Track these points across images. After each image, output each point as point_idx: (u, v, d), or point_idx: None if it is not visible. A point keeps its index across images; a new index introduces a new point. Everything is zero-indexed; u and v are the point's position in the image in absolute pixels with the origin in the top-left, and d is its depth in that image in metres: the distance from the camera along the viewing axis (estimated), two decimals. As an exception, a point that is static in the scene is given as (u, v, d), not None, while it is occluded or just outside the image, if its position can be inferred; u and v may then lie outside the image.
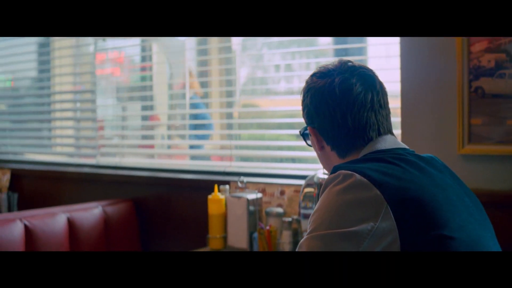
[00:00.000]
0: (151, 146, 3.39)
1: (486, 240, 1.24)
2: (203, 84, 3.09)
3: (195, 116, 3.20)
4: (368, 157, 1.28)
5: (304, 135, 1.44)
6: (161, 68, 3.42)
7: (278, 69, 2.89)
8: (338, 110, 1.31)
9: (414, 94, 2.23)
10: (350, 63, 1.36)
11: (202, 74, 3.18)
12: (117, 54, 3.62)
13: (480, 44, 2.08)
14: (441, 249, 1.14)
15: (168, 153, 3.28)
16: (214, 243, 2.48)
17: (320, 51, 2.78)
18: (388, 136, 1.34)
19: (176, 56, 3.28)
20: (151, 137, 3.41)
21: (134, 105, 3.49)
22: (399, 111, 2.27)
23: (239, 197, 2.43)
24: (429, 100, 2.19)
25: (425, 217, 1.15)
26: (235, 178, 2.61)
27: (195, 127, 3.19)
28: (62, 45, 3.70)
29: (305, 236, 1.20)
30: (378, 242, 1.13)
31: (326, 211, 1.18)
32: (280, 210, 2.40)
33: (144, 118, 3.42)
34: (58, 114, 3.78)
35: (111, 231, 2.79)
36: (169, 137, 3.38)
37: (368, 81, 1.33)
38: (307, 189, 2.23)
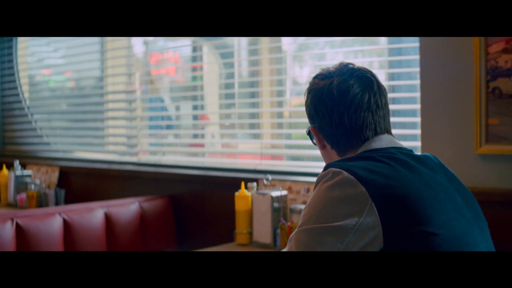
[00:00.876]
0: (201, 145, 3.52)
1: (473, 237, 1.30)
2: (254, 84, 3.17)
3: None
4: (360, 156, 1.36)
5: (310, 134, 1.52)
6: (212, 68, 3.50)
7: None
8: (336, 110, 1.39)
9: (433, 94, 2.28)
10: (350, 65, 1.45)
11: (253, 74, 3.24)
12: (172, 55, 3.81)
13: (497, 45, 2.11)
14: (422, 245, 1.20)
15: (209, 151, 3.41)
16: (240, 238, 2.60)
17: (381, 50, 2.71)
18: (384, 136, 1.41)
19: (227, 56, 3.35)
20: (201, 136, 3.51)
21: (186, 105, 3.63)
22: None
23: (263, 194, 2.54)
24: (447, 101, 2.24)
25: (408, 213, 1.21)
26: (269, 176, 2.70)
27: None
28: (116, 45, 3.87)
29: (296, 229, 1.30)
30: (362, 236, 1.21)
31: (315, 206, 1.27)
32: (303, 207, 2.49)
33: (194, 117, 3.50)
34: (110, 114, 3.95)
35: (147, 226, 2.96)
36: (213, 135, 3.49)
37: (365, 82, 1.41)
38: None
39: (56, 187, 3.72)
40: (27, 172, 3.79)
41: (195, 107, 3.58)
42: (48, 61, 4.44)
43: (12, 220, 2.43)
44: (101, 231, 2.76)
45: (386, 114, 1.44)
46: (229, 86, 3.26)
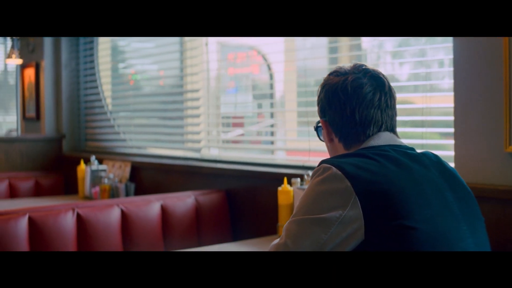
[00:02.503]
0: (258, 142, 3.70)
1: (458, 232, 1.40)
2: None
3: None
4: (354, 153, 1.49)
5: (317, 130, 1.67)
6: (290, 65, 3.60)
7: (443, 64, 2.77)
8: (348, 104, 1.52)
9: (465, 93, 2.34)
10: (364, 66, 1.59)
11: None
12: (255, 53, 4.05)
13: (527, 45, 2.15)
14: (401, 238, 1.32)
15: (272, 148, 3.60)
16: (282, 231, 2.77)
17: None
18: (385, 133, 1.54)
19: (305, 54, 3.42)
20: (269, 133, 3.66)
21: (266, 102, 3.82)
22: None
23: (303, 189, 2.71)
24: (478, 99, 2.30)
25: (389, 208, 1.32)
26: (310, 172, 2.86)
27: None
28: (194, 45, 4.09)
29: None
30: (345, 228, 1.34)
31: (306, 199, 1.42)
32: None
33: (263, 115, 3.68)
34: (189, 112, 4.19)
35: (202, 218, 3.20)
36: (272, 133, 3.66)
37: (378, 82, 1.54)
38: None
39: (127, 181, 4.05)
40: (102, 167, 4.15)
41: (272, 105, 3.76)
42: (130, 61, 4.80)
43: (73, 210, 2.74)
44: (157, 222, 3.03)
45: (394, 114, 1.57)
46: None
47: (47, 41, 4.92)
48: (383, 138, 1.52)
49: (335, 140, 1.57)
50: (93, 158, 4.18)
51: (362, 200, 1.33)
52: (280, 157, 3.37)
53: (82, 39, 4.93)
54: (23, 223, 2.55)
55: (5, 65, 5.96)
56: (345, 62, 3.05)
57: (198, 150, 3.87)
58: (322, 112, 1.59)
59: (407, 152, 1.49)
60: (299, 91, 3.43)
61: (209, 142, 3.85)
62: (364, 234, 1.32)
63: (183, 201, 3.16)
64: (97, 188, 3.95)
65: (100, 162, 4.32)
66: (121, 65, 4.86)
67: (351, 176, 1.35)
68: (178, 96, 4.20)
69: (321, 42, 3.27)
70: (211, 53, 3.93)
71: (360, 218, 1.32)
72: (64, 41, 4.91)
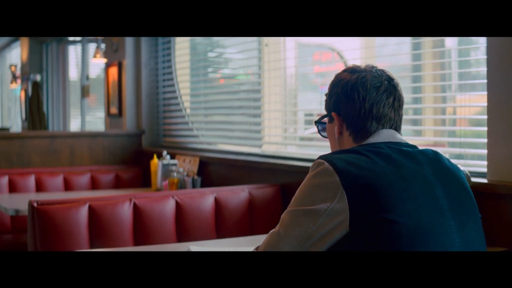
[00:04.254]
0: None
1: (443, 227, 1.47)
2: (416, 79, 3.19)
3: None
4: (349, 149, 1.59)
5: (319, 124, 1.78)
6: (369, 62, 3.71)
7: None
8: (368, 98, 1.62)
9: (498, 92, 2.40)
10: (380, 69, 1.69)
11: (416, 68, 3.25)
12: (333, 52, 4.20)
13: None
14: (382, 231, 1.42)
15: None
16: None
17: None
18: (386, 131, 1.63)
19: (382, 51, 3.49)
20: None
21: None
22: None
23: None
24: (509, 97, 2.35)
25: (373, 201, 1.42)
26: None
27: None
28: (271, 42, 4.21)
29: None
30: (332, 220, 1.45)
31: (300, 191, 1.55)
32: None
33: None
34: (267, 107, 4.32)
35: (255, 211, 3.39)
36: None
37: (393, 84, 1.65)
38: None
39: (195, 175, 4.32)
40: (173, 161, 4.44)
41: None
42: (209, 60, 5.07)
43: (131, 200, 3.02)
44: (210, 213, 3.25)
45: (402, 115, 1.69)
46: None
47: (129, 42, 5.29)
48: (382, 136, 1.62)
49: (345, 134, 1.66)
50: (164, 153, 4.49)
51: (348, 194, 1.43)
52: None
53: (160, 40, 5.26)
54: (84, 211, 2.85)
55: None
56: (429, 59, 3.09)
57: (259, 146, 4.07)
58: (336, 106, 1.67)
59: (402, 149, 1.56)
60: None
61: (286, 139, 4.01)
62: (349, 226, 1.43)
63: (237, 194, 3.37)
64: (167, 181, 4.25)
65: (173, 156, 4.62)
66: (200, 63, 5.13)
67: (340, 171, 1.46)
68: (254, 93, 4.36)
69: (401, 39, 3.24)
70: (288, 50, 4.09)
71: (346, 211, 1.43)
72: (144, 42, 5.26)
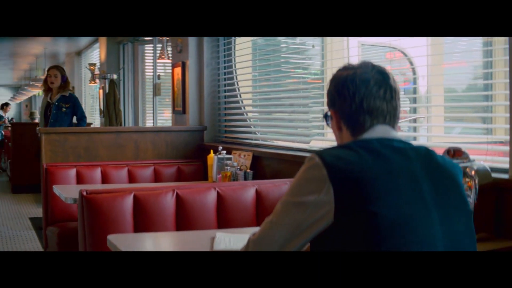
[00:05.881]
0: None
1: (425, 220, 1.55)
2: (487, 76, 3.16)
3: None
4: (342, 145, 1.71)
5: (327, 118, 1.85)
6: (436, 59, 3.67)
7: None
8: (357, 93, 1.68)
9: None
10: (371, 63, 1.79)
11: (488, 65, 3.19)
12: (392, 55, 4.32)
13: None
14: (364, 222, 1.50)
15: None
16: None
17: None
18: (381, 127, 1.69)
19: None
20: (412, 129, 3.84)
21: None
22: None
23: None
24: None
25: (358, 194, 1.52)
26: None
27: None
28: (334, 40, 4.34)
29: None
30: (318, 211, 1.56)
31: (293, 183, 1.67)
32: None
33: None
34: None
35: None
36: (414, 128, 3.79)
37: (383, 76, 1.71)
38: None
39: (247, 169, 4.53)
40: (228, 156, 4.68)
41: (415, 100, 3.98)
42: (269, 60, 5.27)
43: (174, 191, 3.26)
44: (251, 205, 3.44)
45: (398, 106, 1.72)
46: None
47: (192, 43, 5.57)
48: (376, 132, 1.69)
49: (343, 129, 1.74)
50: (220, 148, 4.73)
51: (334, 187, 1.53)
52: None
53: (222, 41, 5.51)
54: (129, 200, 3.11)
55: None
56: (501, 67, 3.07)
57: (307, 142, 4.23)
58: (332, 102, 1.76)
59: (393, 145, 1.64)
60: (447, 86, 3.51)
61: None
62: (334, 216, 1.53)
63: (278, 187, 3.54)
64: (221, 175, 4.48)
65: (230, 151, 4.86)
66: (259, 62, 5.34)
67: (329, 165, 1.56)
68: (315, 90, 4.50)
69: (472, 42, 3.22)
70: (351, 48, 4.21)
71: (332, 202, 1.53)
72: (206, 43, 5.53)
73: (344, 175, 1.54)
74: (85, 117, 6.56)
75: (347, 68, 1.75)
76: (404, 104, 4.12)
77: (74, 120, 6.50)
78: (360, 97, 1.68)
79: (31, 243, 5.97)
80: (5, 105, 15.69)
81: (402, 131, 3.85)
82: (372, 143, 1.63)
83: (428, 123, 3.78)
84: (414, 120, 3.85)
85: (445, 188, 1.63)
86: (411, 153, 1.64)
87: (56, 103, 6.35)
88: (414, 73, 4.24)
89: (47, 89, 6.51)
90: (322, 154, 1.60)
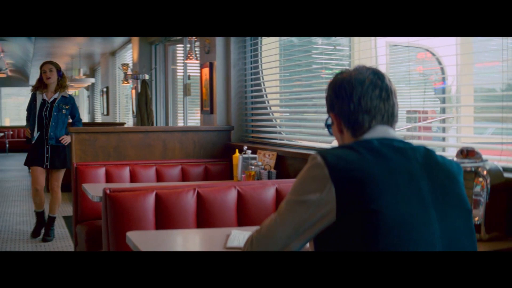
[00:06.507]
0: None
1: (425, 218, 1.61)
2: None
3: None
4: (344, 145, 1.77)
5: (327, 126, 1.92)
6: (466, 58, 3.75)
7: None
8: (355, 94, 1.74)
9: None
10: (365, 66, 1.80)
11: None
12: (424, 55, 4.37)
13: None
14: (365, 220, 1.55)
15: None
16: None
17: None
18: (381, 127, 1.74)
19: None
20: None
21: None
22: None
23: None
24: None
25: (358, 193, 1.57)
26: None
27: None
28: (362, 39, 4.43)
29: None
30: (321, 209, 1.61)
31: (296, 181, 1.70)
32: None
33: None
34: None
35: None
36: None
37: (378, 76, 1.76)
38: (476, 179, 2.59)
39: (271, 168, 4.63)
40: (252, 155, 4.79)
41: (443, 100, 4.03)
42: (295, 60, 5.36)
43: (195, 189, 3.38)
44: (271, 203, 3.54)
45: (395, 104, 1.77)
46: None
47: (219, 44, 5.70)
48: (377, 132, 1.73)
49: (345, 131, 1.79)
50: (245, 147, 4.84)
51: (336, 186, 1.59)
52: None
53: (248, 41, 5.62)
54: (151, 198, 3.24)
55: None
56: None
57: (330, 142, 4.31)
58: (331, 106, 1.82)
59: (393, 144, 1.69)
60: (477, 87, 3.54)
61: None
62: (336, 215, 1.58)
63: (298, 186, 3.63)
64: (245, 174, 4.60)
65: (255, 151, 4.97)
66: (286, 63, 5.44)
67: (330, 165, 1.61)
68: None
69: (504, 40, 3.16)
70: (379, 48, 4.26)
71: (333, 201, 1.58)
72: (233, 44, 5.65)
73: (345, 174, 1.60)
74: (81, 119, 6.32)
75: (342, 72, 1.81)
76: (435, 104, 4.17)
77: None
78: (357, 96, 1.74)
79: (63, 241, 6.17)
80: None
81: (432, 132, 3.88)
82: (372, 143, 1.68)
83: (458, 123, 3.80)
84: (443, 121, 3.88)
85: (444, 187, 1.68)
86: (410, 153, 1.69)
87: (57, 104, 6.05)
88: (442, 72, 4.27)
89: (42, 86, 6.10)
90: (324, 153, 1.65)
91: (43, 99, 6.07)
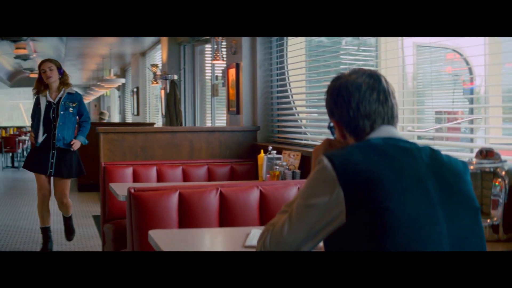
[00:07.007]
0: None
1: (430, 217, 1.63)
2: None
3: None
4: (351, 146, 1.77)
5: (331, 129, 1.93)
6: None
7: None
8: (353, 99, 1.75)
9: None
10: (361, 69, 1.81)
11: None
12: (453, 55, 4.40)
13: None
14: (373, 221, 1.58)
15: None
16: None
17: None
18: (386, 128, 1.76)
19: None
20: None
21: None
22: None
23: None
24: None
25: (366, 194, 1.59)
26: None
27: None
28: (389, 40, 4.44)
29: None
30: (330, 212, 1.63)
31: (305, 185, 1.71)
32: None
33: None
34: None
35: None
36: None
37: (375, 79, 1.77)
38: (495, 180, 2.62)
39: (296, 168, 4.70)
40: (277, 156, 4.86)
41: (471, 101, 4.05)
42: (321, 61, 5.42)
43: (217, 189, 3.46)
44: (293, 203, 3.61)
45: (394, 105, 1.78)
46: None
47: (245, 45, 5.78)
48: (382, 132, 1.75)
49: (347, 136, 1.80)
50: (270, 148, 4.91)
51: (344, 189, 1.61)
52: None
53: (274, 42, 5.70)
54: (174, 197, 3.33)
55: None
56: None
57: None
58: (331, 113, 1.83)
59: (399, 145, 1.71)
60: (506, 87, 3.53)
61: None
62: (345, 217, 1.61)
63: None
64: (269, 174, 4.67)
65: (281, 151, 5.04)
66: (312, 63, 5.50)
67: (338, 168, 1.63)
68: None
69: None
70: (406, 48, 4.28)
71: (342, 204, 1.61)
72: (259, 45, 5.73)
73: (353, 177, 1.62)
74: (90, 118, 5.80)
75: (339, 78, 1.82)
76: (464, 105, 4.18)
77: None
78: (355, 103, 1.75)
79: (92, 240, 6.32)
80: None
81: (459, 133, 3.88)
82: (378, 143, 1.70)
83: (486, 124, 3.81)
84: (471, 121, 3.90)
85: (451, 186, 1.69)
86: (416, 152, 1.70)
87: (63, 103, 5.53)
88: (470, 73, 4.29)
89: (43, 87, 5.59)
90: (331, 156, 1.66)
91: (48, 101, 5.56)
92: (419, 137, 4.01)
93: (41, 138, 5.45)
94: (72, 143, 5.49)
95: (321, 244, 1.76)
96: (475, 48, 3.85)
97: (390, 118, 1.78)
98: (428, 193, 1.65)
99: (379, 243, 1.59)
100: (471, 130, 3.95)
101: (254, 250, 1.80)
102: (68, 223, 5.83)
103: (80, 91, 23.56)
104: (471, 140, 3.79)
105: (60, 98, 5.53)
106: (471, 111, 3.87)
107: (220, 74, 7.63)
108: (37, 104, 5.56)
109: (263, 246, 1.76)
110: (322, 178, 1.65)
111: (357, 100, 1.75)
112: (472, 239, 1.72)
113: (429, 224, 1.62)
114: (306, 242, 1.70)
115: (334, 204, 1.62)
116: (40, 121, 5.47)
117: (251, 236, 2.61)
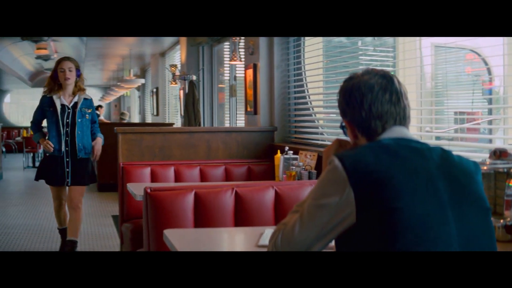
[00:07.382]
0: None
1: (442, 218, 1.65)
2: None
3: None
4: (362, 146, 1.80)
5: (343, 129, 1.96)
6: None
7: None
8: (365, 100, 1.78)
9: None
10: (374, 70, 1.83)
11: None
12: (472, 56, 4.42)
13: None
14: (383, 220, 1.60)
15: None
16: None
17: None
18: (397, 128, 1.78)
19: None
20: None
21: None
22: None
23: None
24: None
25: (376, 195, 1.61)
26: None
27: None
28: (406, 40, 4.44)
29: None
30: (341, 212, 1.66)
31: (316, 184, 1.74)
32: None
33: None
34: None
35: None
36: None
37: (387, 80, 1.80)
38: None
39: (312, 169, 4.73)
40: (294, 156, 4.90)
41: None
42: (338, 61, 5.45)
43: (233, 189, 3.51)
44: (308, 204, 3.65)
45: (406, 106, 1.80)
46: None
47: (263, 45, 5.83)
48: (394, 132, 1.77)
49: (359, 136, 1.83)
50: (286, 148, 4.96)
51: (355, 189, 1.64)
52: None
53: (292, 43, 5.74)
54: (190, 197, 3.39)
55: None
56: None
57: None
58: (344, 113, 1.86)
59: (410, 145, 1.73)
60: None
61: (421, 138, 4.19)
62: (356, 217, 1.63)
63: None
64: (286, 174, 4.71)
65: (297, 152, 5.08)
66: (329, 64, 5.53)
67: (348, 168, 1.66)
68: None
69: None
70: (424, 48, 4.30)
71: (353, 204, 1.63)
72: (276, 45, 5.78)
73: (363, 177, 1.64)
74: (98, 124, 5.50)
75: (352, 78, 1.84)
76: (483, 105, 4.19)
77: None
78: (368, 104, 1.78)
79: (111, 240, 6.40)
80: (99, 106, 16.53)
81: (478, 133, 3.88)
82: (390, 144, 1.72)
83: (505, 125, 3.82)
84: (490, 122, 3.91)
85: (461, 186, 1.71)
86: (427, 153, 1.72)
87: (80, 109, 5.22)
88: (489, 73, 4.29)
89: (57, 87, 5.24)
90: (341, 157, 1.68)
91: (62, 104, 5.19)
92: (437, 138, 4.02)
93: (63, 147, 5.17)
94: (94, 156, 5.32)
95: (332, 243, 1.78)
96: (493, 48, 3.85)
97: (402, 119, 1.79)
98: (438, 193, 1.67)
99: (389, 243, 1.61)
100: (490, 131, 3.95)
101: (266, 249, 1.83)
102: (72, 245, 5.29)
103: (100, 92, 23.96)
104: (490, 141, 3.79)
105: (76, 103, 5.20)
106: (490, 112, 3.88)
107: (239, 75, 7.69)
108: (49, 106, 5.18)
109: (275, 245, 1.78)
110: (332, 178, 1.68)
111: (370, 101, 1.77)
112: (482, 240, 1.74)
113: (438, 224, 1.64)
114: (317, 241, 1.71)
115: (345, 204, 1.65)
116: (54, 125, 5.16)
117: (264, 236, 2.66)
